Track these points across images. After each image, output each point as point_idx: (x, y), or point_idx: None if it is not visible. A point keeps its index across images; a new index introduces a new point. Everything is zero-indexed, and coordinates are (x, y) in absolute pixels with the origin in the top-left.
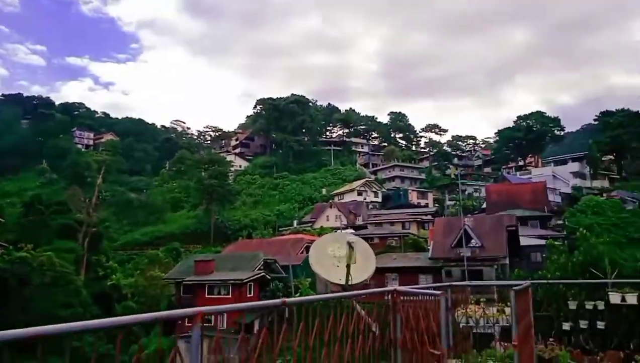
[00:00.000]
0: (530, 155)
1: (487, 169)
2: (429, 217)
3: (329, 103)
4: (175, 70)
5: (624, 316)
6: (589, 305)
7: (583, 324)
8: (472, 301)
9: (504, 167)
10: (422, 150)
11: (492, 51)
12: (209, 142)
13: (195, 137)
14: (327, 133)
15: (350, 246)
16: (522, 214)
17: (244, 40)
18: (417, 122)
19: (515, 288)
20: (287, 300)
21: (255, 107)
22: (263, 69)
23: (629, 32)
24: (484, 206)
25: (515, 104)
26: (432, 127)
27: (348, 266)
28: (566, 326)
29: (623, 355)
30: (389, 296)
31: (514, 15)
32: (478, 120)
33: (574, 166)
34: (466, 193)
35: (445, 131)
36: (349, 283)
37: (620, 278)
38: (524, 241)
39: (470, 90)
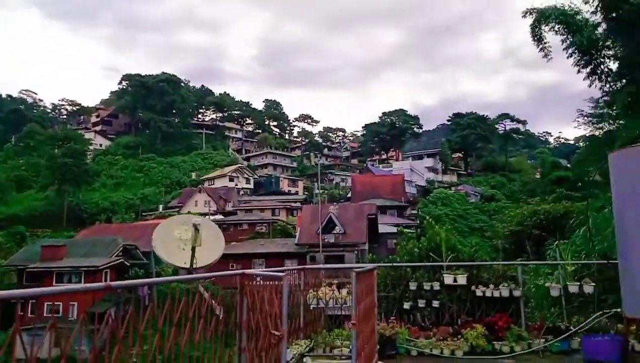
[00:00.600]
0: (392, 149)
1: (354, 161)
2: (298, 204)
3: (202, 85)
4: (27, 33)
5: (457, 296)
6: (427, 286)
7: (421, 303)
8: (325, 284)
9: (369, 159)
10: (295, 139)
11: (365, 47)
12: (64, 117)
13: (49, 110)
14: (200, 116)
15: (195, 228)
16: (383, 203)
17: (110, 7)
18: (291, 111)
19: (356, 270)
20: (112, 283)
21: (120, 83)
22: (131, 42)
23: (482, 42)
24: (350, 195)
25: (382, 100)
26: (305, 118)
27: (193, 249)
28: (407, 305)
29: (452, 330)
30: (237, 279)
31: (387, 15)
32: (348, 113)
33: (429, 162)
34: (334, 182)
35: (317, 121)
36: (194, 266)
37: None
38: (382, 228)
39: (342, 84)
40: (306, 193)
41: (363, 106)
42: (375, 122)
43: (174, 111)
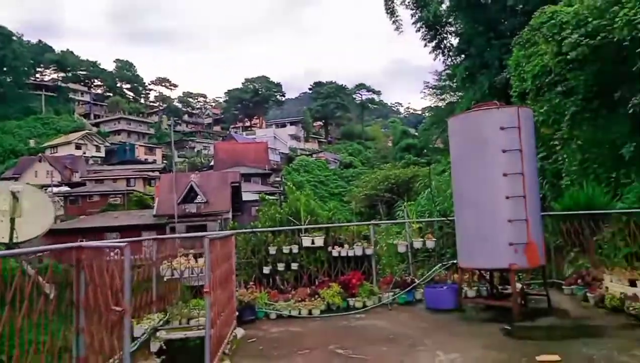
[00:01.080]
0: (255, 117)
1: (217, 128)
2: (157, 174)
3: (39, 40)
4: None
5: (315, 257)
6: (286, 249)
7: (281, 267)
8: (181, 255)
9: (232, 126)
10: (152, 104)
11: (227, 10)
12: None
13: None
14: (38, 76)
15: (14, 196)
16: (247, 171)
17: None
18: (147, 74)
19: (210, 237)
20: None
21: None
22: None
23: (338, 13)
24: (213, 163)
25: (244, 66)
26: (163, 81)
27: (12, 221)
28: (267, 270)
29: (310, 291)
30: (73, 253)
31: None
32: (209, 78)
33: (292, 129)
34: (195, 150)
35: (176, 86)
36: (15, 240)
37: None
38: (247, 196)
39: (203, 47)
40: (165, 161)
41: (225, 72)
42: (237, 88)
43: (5, 69)
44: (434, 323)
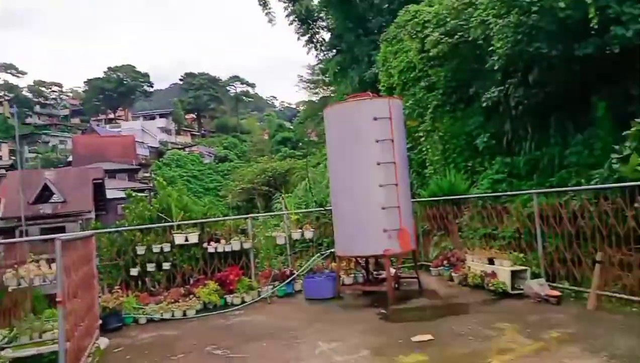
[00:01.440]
0: (120, 108)
1: (76, 120)
2: (3, 171)
3: None
4: None
5: (190, 255)
6: (156, 248)
7: (151, 267)
8: (31, 261)
9: (93, 119)
10: None
11: None
12: None
13: None
14: None
15: None
16: (111, 167)
17: None
18: None
19: (62, 238)
20: None
21: None
22: None
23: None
24: (71, 159)
25: (108, 55)
26: (8, 68)
27: None
28: (134, 271)
29: (184, 291)
30: None
31: None
32: (66, 66)
33: (162, 122)
34: (50, 145)
35: (25, 73)
36: None
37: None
38: (112, 194)
39: (58, 32)
40: (13, 157)
41: (85, 60)
42: (99, 78)
43: None
44: (313, 313)
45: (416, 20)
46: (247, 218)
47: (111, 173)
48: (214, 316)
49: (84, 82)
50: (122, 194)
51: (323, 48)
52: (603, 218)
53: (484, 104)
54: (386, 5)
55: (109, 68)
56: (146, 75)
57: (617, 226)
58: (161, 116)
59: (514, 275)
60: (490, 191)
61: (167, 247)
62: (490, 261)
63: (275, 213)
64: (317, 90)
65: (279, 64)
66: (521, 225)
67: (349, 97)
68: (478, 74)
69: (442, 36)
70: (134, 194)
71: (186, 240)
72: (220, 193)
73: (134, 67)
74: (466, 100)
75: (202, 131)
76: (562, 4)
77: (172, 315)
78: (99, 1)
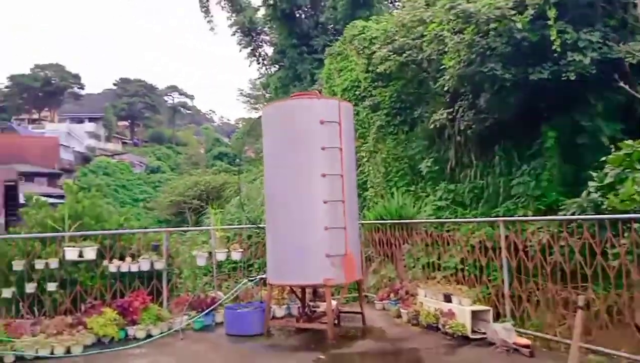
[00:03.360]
0: (47, 109)
1: None
2: None
3: None
4: None
5: (85, 274)
6: (39, 264)
7: (30, 288)
8: None
9: (15, 118)
10: None
11: None
12: None
13: None
14: None
15: None
16: (30, 170)
17: None
18: None
19: None
20: None
21: None
22: None
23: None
24: None
25: (35, 52)
26: None
27: None
28: (7, 293)
29: (72, 320)
30: None
31: None
32: None
33: (91, 126)
34: None
35: None
36: None
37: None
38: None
39: None
40: None
41: (9, 55)
42: (24, 75)
43: None
44: (234, 355)
45: (364, 35)
46: (161, 231)
47: (28, 176)
48: (105, 356)
49: (7, 77)
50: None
51: (265, 62)
52: (582, 253)
53: (432, 126)
54: (331, 25)
55: (36, 65)
56: (77, 76)
57: (603, 262)
58: (90, 120)
59: (474, 315)
60: (433, 218)
61: (54, 263)
62: (448, 299)
63: (195, 228)
64: (257, 105)
65: (220, 80)
66: (467, 256)
67: (293, 95)
68: (423, 97)
69: (390, 53)
70: (41, 198)
71: (80, 255)
72: (148, 204)
73: (63, 66)
74: (410, 122)
75: (135, 140)
76: (519, 25)
77: (51, 352)
78: None
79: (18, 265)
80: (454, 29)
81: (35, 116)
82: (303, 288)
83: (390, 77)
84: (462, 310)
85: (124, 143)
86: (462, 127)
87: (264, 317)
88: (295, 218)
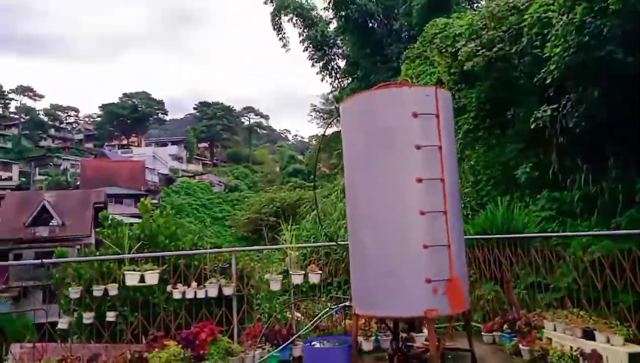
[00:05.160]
0: (134, 135)
1: (90, 145)
2: (2, 192)
3: None
4: None
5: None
6: (97, 291)
7: (87, 318)
8: None
9: (106, 144)
10: (13, 115)
11: (106, 19)
12: None
13: None
14: None
15: None
16: (118, 192)
17: None
18: (6, 81)
19: None
20: None
21: None
22: None
23: (229, 33)
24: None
25: (123, 81)
26: (26, 90)
27: None
28: (63, 323)
29: (132, 354)
30: None
31: None
32: (83, 92)
33: (173, 149)
34: (61, 168)
35: (43, 96)
36: None
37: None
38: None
39: (76, 57)
40: (23, 178)
41: (101, 86)
42: (114, 103)
43: None
44: None
45: (446, 33)
46: (230, 251)
47: (118, 198)
48: None
49: (99, 107)
50: (130, 220)
51: (338, 76)
52: None
53: (533, 126)
54: (406, 32)
55: (124, 94)
56: (161, 102)
57: None
58: (173, 143)
59: (632, 359)
60: (537, 232)
61: (113, 290)
62: (588, 335)
63: (268, 247)
64: (330, 120)
65: (294, 99)
66: (581, 276)
67: (378, 86)
68: (517, 95)
69: (478, 48)
70: (111, 216)
71: (142, 280)
72: (227, 222)
73: (149, 94)
74: (501, 125)
75: (214, 161)
76: None
77: None
78: (117, 29)
79: (75, 292)
80: (560, 10)
81: (124, 142)
82: (395, 320)
83: (477, 77)
84: (615, 351)
85: (204, 164)
86: (569, 125)
87: (350, 355)
88: (385, 234)
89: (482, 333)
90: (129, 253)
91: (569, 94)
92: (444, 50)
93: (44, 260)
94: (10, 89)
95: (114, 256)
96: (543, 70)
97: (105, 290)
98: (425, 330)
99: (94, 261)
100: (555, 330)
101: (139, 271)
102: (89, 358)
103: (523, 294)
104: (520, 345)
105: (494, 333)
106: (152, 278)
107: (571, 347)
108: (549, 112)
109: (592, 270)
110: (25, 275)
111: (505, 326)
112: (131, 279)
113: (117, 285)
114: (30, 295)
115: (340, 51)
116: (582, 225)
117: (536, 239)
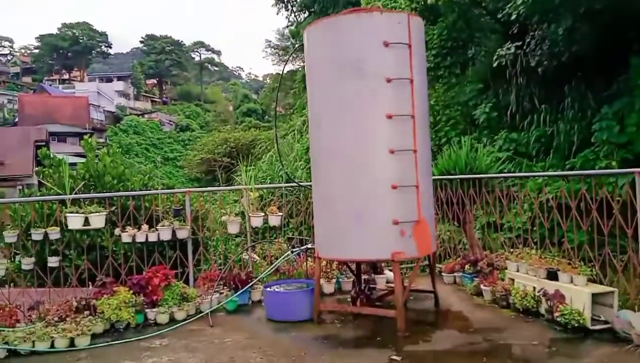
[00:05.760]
0: (76, 69)
1: (28, 79)
2: None
3: None
4: None
5: (95, 246)
6: (36, 235)
7: (27, 263)
8: None
9: (46, 78)
10: None
11: None
12: None
13: None
14: None
15: None
16: (60, 130)
17: None
18: None
19: None
20: None
21: None
22: None
23: None
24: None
25: (62, 10)
26: None
27: None
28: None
29: (77, 302)
30: None
31: None
32: (17, 21)
33: (120, 85)
34: None
35: None
36: None
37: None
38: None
39: None
40: None
41: (37, 14)
42: (53, 34)
43: None
44: (280, 352)
45: None
46: (183, 192)
47: (61, 136)
48: (116, 350)
49: (36, 38)
50: (75, 160)
51: (294, 9)
52: None
53: (495, 64)
54: None
55: (64, 24)
56: (104, 34)
57: None
58: (119, 79)
59: (594, 299)
60: (493, 172)
61: (54, 233)
62: (552, 275)
63: (225, 187)
64: (287, 57)
65: (247, 36)
66: (536, 215)
67: (345, 11)
68: (479, 33)
69: None
70: (52, 155)
71: (86, 222)
72: (179, 163)
73: (91, 25)
74: (462, 64)
75: (164, 98)
76: None
77: (52, 346)
78: None
79: (12, 237)
80: None
81: (66, 77)
82: (358, 262)
83: (440, 13)
84: (579, 292)
85: (153, 102)
86: (531, 64)
87: (313, 299)
88: (351, 174)
89: (443, 273)
90: (70, 194)
91: (533, 32)
92: None
93: None
94: None
95: (54, 196)
96: (509, 5)
97: (46, 234)
98: (387, 272)
99: (33, 201)
100: (518, 270)
101: (83, 213)
102: (30, 306)
103: (478, 234)
104: (482, 286)
105: (455, 274)
106: (98, 221)
107: (534, 287)
108: (512, 50)
109: (540, 210)
110: None
111: (466, 267)
112: (74, 222)
113: (58, 229)
114: None
115: None
116: (537, 166)
117: (496, 179)
